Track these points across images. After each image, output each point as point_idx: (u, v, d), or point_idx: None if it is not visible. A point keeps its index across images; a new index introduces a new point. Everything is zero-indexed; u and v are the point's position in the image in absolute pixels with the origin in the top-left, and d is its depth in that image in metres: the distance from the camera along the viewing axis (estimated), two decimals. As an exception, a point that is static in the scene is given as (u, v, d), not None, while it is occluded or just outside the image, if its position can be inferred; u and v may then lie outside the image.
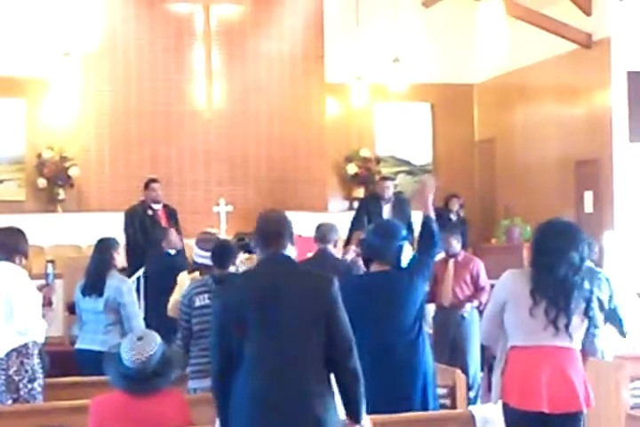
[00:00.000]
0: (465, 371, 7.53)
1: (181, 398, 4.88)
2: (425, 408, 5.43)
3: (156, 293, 8.73)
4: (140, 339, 4.78)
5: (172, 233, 9.45)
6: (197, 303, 6.30)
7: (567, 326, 4.64)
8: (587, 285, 4.73)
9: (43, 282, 6.35)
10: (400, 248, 5.57)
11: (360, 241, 6.13)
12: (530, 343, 4.69)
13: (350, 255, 8.50)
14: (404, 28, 14.41)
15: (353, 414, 4.28)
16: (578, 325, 4.69)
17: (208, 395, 4.78)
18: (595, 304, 4.75)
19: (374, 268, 5.63)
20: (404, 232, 5.73)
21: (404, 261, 5.58)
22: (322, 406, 4.15)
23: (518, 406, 4.66)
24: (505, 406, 4.76)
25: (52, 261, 6.56)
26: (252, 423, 4.16)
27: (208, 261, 6.63)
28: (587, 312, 4.70)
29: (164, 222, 10.72)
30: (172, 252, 9.33)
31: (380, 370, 5.30)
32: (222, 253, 6.52)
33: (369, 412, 4.39)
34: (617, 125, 11.88)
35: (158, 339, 4.83)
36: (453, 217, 12.53)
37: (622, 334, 7.03)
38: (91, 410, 4.77)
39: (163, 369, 4.74)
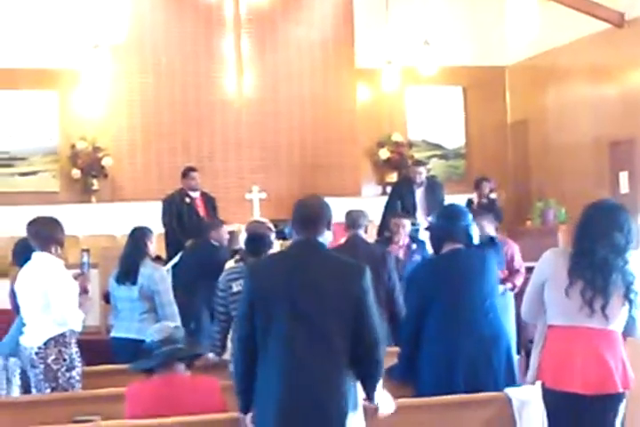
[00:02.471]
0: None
1: (216, 385, 4.92)
2: (512, 382, 5.49)
3: (190, 280, 8.76)
4: (159, 326, 5.12)
5: (225, 229, 9.25)
6: (234, 289, 6.34)
7: (603, 308, 4.59)
8: (630, 268, 4.66)
9: (78, 271, 6.38)
10: (468, 227, 5.67)
11: (428, 228, 6.16)
12: (565, 323, 4.67)
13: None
14: (433, 11, 14.31)
15: (368, 397, 4.41)
16: (616, 307, 4.63)
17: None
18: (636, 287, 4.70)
19: (446, 248, 5.65)
20: (469, 214, 5.78)
21: (475, 239, 5.71)
22: (333, 392, 4.18)
23: (553, 386, 4.66)
24: (543, 385, 4.75)
25: (86, 250, 6.58)
26: (280, 406, 4.17)
27: None
28: (627, 295, 4.64)
29: (201, 211, 10.74)
30: (216, 244, 9.11)
31: (465, 347, 5.37)
32: (256, 241, 6.55)
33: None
34: (651, 105, 11.78)
35: (178, 325, 5.16)
36: (484, 201, 12.39)
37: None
38: (127, 397, 4.82)
39: (182, 346, 4.88)
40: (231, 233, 9.33)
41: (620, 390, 4.64)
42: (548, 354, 4.72)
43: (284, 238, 9.22)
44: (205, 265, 8.80)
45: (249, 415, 4.40)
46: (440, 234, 5.71)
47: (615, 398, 4.67)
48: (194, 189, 10.91)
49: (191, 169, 11.04)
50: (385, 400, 4.59)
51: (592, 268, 4.60)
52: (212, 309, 8.17)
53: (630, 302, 4.67)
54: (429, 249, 8.90)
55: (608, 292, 4.60)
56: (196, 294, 8.44)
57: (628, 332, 4.84)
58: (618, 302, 4.64)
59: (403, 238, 8.46)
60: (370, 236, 8.26)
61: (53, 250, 6.05)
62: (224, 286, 6.49)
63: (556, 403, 4.67)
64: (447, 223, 5.64)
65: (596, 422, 4.59)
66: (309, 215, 4.44)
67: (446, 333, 5.41)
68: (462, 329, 5.41)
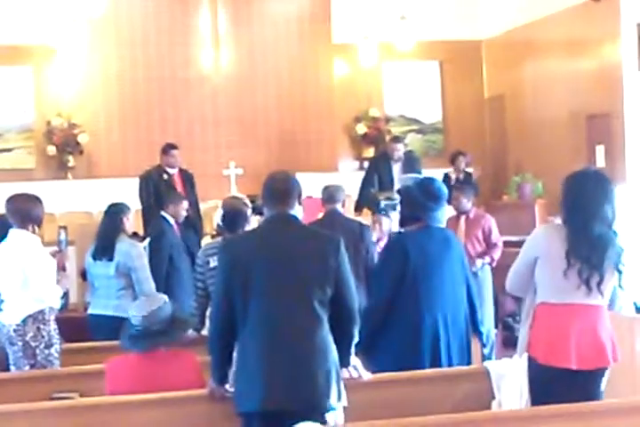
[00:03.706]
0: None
1: (194, 360, 4.95)
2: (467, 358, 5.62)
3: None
4: (147, 298, 5.03)
5: (184, 206, 9.10)
6: (212, 264, 6.33)
7: (599, 284, 4.59)
8: (618, 238, 4.66)
9: (55, 249, 6.35)
10: (444, 211, 5.72)
11: (404, 200, 6.06)
12: (561, 301, 4.64)
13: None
14: (410, -15, 14.27)
15: (343, 362, 4.49)
16: (609, 282, 4.65)
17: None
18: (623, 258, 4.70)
19: (416, 224, 5.62)
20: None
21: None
22: (317, 362, 4.26)
23: (546, 362, 4.64)
24: (531, 360, 4.73)
25: (64, 228, 6.56)
26: (260, 379, 4.23)
27: None
28: (617, 267, 4.64)
29: (179, 187, 10.68)
30: (172, 221, 8.85)
31: (429, 324, 5.43)
32: (233, 217, 6.54)
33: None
34: (628, 78, 11.78)
35: (166, 299, 4.97)
36: (460, 176, 12.39)
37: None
38: (106, 371, 4.85)
39: (168, 328, 4.85)
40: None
41: (612, 363, 4.67)
42: (542, 331, 4.68)
43: (261, 214, 9.18)
44: (151, 239, 8.76)
45: (226, 385, 4.50)
46: (416, 213, 5.63)
47: (604, 371, 4.72)
48: (172, 167, 10.86)
49: (172, 146, 10.92)
50: (359, 365, 4.68)
51: (588, 245, 4.55)
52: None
53: (620, 273, 4.66)
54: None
55: (603, 268, 4.58)
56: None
57: (609, 305, 4.87)
58: (610, 276, 4.64)
59: (378, 235, 8.47)
60: (347, 210, 8.28)
61: (30, 228, 6.03)
62: (202, 262, 6.49)
63: (548, 379, 4.65)
64: (431, 205, 5.57)
65: (585, 394, 4.62)
66: (281, 189, 4.51)
67: (411, 309, 5.42)
68: (427, 306, 5.43)
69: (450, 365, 5.47)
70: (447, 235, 5.74)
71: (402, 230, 5.94)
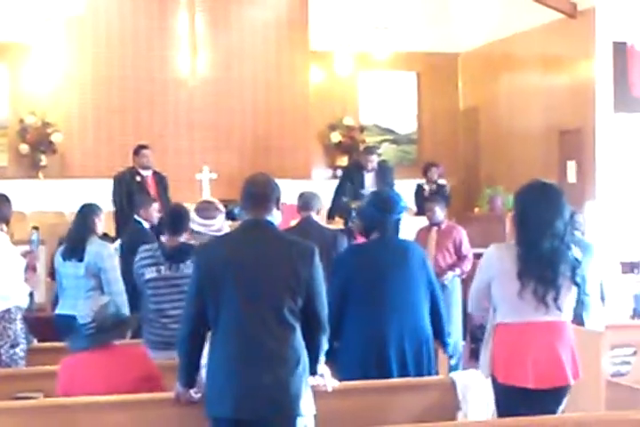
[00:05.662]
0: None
1: (144, 352, 4.99)
2: (427, 372, 5.55)
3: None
4: (90, 300, 5.23)
5: (155, 207, 9.18)
6: (147, 276, 6.06)
7: (556, 300, 4.58)
8: (573, 251, 4.65)
9: (27, 249, 6.32)
10: (398, 221, 5.70)
11: (358, 213, 6.12)
12: (518, 320, 4.64)
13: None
14: (389, -4, 14.33)
15: (310, 369, 4.44)
16: (566, 294, 4.64)
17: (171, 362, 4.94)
18: (582, 271, 4.69)
19: (373, 235, 5.65)
20: (403, 203, 5.76)
21: (402, 230, 5.84)
22: (289, 370, 4.25)
23: (504, 381, 4.66)
24: (494, 380, 4.76)
25: (36, 228, 6.53)
26: (231, 386, 4.23)
27: (203, 229, 6.46)
28: (573, 278, 4.63)
29: (152, 189, 10.67)
30: (146, 225, 9.01)
31: (378, 333, 5.39)
32: (175, 218, 6.27)
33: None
34: (600, 96, 11.87)
35: (107, 299, 5.09)
36: (433, 187, 12.35)
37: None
38: (59, 372, 4.83)
39: (118, 322, 4.89)
40: None
41: (571, 382, 4.68)
42: (500, 351, 4.70)
43: (234, 219, 9.20)
44: (125, 244, 8.73)
45: (192, 390, 4.49)
46: (371, 225, 5.65)
47: (565, 390, 4.72)
48: (145, 168, 10.84)
49: (143, 147, 10.95)
50: (328, 374, 4.67)
51: (540, 262, 4.55)
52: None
53: (577, 285, 4.66)
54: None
55: (558, 283, 4.57)
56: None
57: (577, 319, 4.88)
58: (567, 290, 4.63)
59: None
60: (321, 218, 8.29)
61: (-3, 226, 6.00)
62: (138, 272, 6.13)
63: (508, 397, 4.68)
64: (379, 215, 5.59)
65: (544, 412, 4.63)
66: (259, 193, 4.45)
67: (362, 318, 5.41)
68: (378, 316, 5.42)
69: (404, 376, 5.44)
70: (404, 244, 5.71)
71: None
